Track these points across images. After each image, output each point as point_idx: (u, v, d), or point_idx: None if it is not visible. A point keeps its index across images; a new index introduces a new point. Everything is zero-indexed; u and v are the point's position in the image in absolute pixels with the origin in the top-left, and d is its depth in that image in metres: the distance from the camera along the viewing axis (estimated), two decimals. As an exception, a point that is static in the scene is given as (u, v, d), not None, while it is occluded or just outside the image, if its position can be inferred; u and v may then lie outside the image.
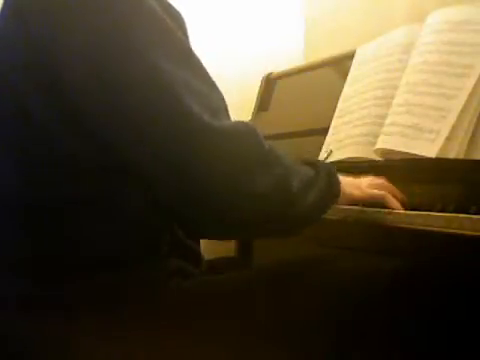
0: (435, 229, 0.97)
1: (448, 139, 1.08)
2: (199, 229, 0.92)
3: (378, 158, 1.24)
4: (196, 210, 0.86)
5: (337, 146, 1.36)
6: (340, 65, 1.63)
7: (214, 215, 0.86)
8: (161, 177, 0.85)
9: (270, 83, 1.92)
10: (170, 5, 0.93)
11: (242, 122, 0.92)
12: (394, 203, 1.07)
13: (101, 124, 0.84)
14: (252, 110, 1.90)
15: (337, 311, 0.94)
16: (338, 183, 1.00)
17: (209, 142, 0.84)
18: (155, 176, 0.85)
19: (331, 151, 1.35)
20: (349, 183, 1.05)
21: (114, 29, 0.83)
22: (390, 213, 1.06)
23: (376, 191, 1.08)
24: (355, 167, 1.13)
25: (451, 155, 1.07)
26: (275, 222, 0.91)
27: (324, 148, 1.40)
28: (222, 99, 0.92)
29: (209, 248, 1.22)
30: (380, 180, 1.11)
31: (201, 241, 1.03)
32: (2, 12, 0.94)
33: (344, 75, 1.50)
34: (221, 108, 0.90)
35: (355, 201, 1.08)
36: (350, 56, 1.51)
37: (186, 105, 0.83)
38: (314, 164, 1.00)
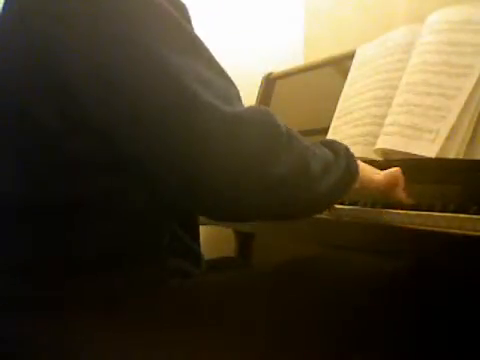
0: (435, 229, 0.97)
1: (448, 139, 1.08)
2: (214, 211, 0.90)
3: (378, 158, 1.24)
4: (211, 193, 0.84)
5: (337, 146, 1.36)
6: (340, 65, 1.63)
7: (230, 198, 0.84)
8: (171, 171, 0.83)
9: (270, 83, 1.92)
10: None
11: (256, 106, 0.90)
12: (404, 200, 1.06)
13: (104, 123, 0.83)
14: (252, 110, 1.90)
15: (337, 311, 0.94)
16: (356, 166, 0.98)
17: (224, 128, 0.82)
18: (163, 172, 0.84)
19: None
20: (367, 167, 1.04)
21: (117, 23, 0.83)
22: (390, 213, 1.06)
23: (394, 182, 1.06)
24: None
25: (451, 155, 1.07)
26: (293, 205, 0.90)
27: (324, 148, 1.40)
28: (233, 86, 0.91)
29: (209, 248, 1.22)
30: (397, 173, 1.07)
31: (201, 241, 1.03)
32: (2, 12, 0.94)
33: (344, 75, 1.50)
34: (233, 94, 0.88)
35: (374, 186, 1.05)
36: (350, 56, 1.51)
37: (196, 94, 0.81)
38: (333, 146, 0.98)
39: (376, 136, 1.24)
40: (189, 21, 0.92)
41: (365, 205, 1.16)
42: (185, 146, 0.81)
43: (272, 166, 0.84)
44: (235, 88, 0.90)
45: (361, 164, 1.01)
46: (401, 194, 1.07)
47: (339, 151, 0.96)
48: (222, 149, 0.81)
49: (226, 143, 0.82)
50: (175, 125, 0.81)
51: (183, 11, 0.91)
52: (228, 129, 0.82)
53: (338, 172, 0.93)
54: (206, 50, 0.89)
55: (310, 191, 0.89)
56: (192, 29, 0.90)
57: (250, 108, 0.88)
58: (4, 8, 0.94)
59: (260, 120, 0.86)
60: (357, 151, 1.29)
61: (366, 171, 1.03)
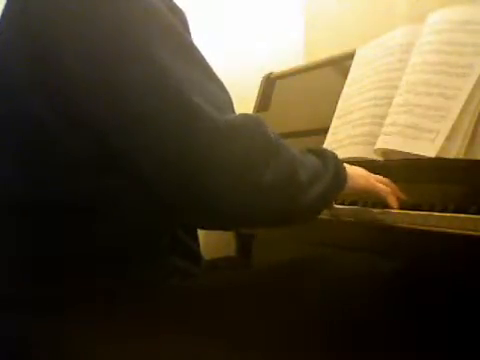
0: (435, 229, 0.97)
1: (448, 139, 1.08)
2: (203, 220, 0.91)
3: (378, 158, 1.24)
4: (201, 203, 0.85)
5: (337, 146, 1.36)
6: (340, 65, 1.63)
7: (219, 208, 0.85)
8: (165, 175, 0.84)
9: (270, 83, 1.92)
10: (172, 2, 0.93)
11: (247, 114, 0.90)
12: (393, 202, 1.07)
13: (103, 124, 0.84)
14: (252, 110, 1.91)
15: (337, 311, 0.94)
16: (345, 173, 1.00)
17: (215, 136, 0.83)
18: (158, 174, 0.84)
19: (331, 151, 1.35)
20: (355, 173, 1.05)
21: (116, 28, 0.83)
22: (390, 213, 1.06)
23: (381, 185, 1.08)
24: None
25: (451, 155, 1.07)
26: (282, 213, 0.91)
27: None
28: (226, 93, 0.91)
29: (209, 248, 1.22)
30: (386, 180, 1.10)
31: (201, 241, 1.03)
32: (3, 14, 0.94)
33: (344, 75, 1.50)
34: (226, 102, 0.89)
35: (360, 190, 1.06)
36: (350, 56, 1.51)
37: (190, 101, 0.82)
38: (320, 153, 0.99)
39: (376, 136, 1.24)
40: (186, 27, 0.93)
41: (365, 205, 1.16)
42: (179, 148, 0.82)
43: (260, 173, 0.85)
44: (227, 94, 0.92)
45: (349, 170, 1.02)
46: (393, 200, 1.07)
47: (327, 159, 0.97)
48: (211, 155, 0.82)
49: (215, 149, 0.83)
50: (170, 128, 0.82)
51: (181, 18, 0.92)
52: (218, 136, 0.83)
53: (326, 181, 0.94)
54: (200, 56, 0.90)
55: (297, 199, 0.90)
56: (189, 35, 0.91)
57: (240, 116, 0.89)
58: (6, 9, 0.94)
59: (249, 128, 0.87)
60: (357, 151, 1.29)
61: (353, 177, 1.03)
